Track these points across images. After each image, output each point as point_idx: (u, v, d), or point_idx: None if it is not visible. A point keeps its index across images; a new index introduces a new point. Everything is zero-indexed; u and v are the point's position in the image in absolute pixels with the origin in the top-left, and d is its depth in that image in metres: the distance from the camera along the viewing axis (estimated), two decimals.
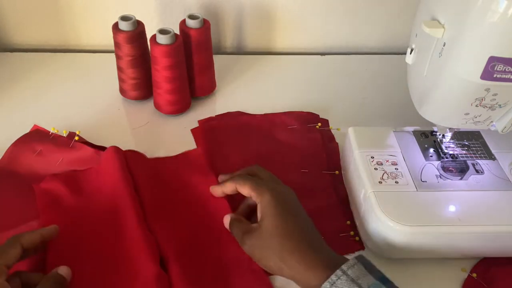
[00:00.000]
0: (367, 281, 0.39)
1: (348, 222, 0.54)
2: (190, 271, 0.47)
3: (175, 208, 0.53)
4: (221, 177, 0.54)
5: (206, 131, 0.63)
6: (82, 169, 0.56)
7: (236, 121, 0.66)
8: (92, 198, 0.53)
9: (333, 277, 0.39)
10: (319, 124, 0.66)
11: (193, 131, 0.65)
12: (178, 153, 0.61)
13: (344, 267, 0.39)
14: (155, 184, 0.55)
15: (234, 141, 0.62)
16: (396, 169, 0.51)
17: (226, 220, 0.50)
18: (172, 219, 0.51)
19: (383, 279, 0.39)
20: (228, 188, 0.50)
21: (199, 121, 0.66)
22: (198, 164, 0.58)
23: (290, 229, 0.44)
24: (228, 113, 0.68)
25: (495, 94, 0.42)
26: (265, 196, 0.46)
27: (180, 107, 0.66)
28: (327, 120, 0.67)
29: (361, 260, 0.41)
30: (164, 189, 0.55)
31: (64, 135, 0.60)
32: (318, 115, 0.68)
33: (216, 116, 0.67)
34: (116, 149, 0.56)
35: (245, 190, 0.48)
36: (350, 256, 0.51)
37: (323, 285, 0.39)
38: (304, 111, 0.68)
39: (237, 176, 0.50)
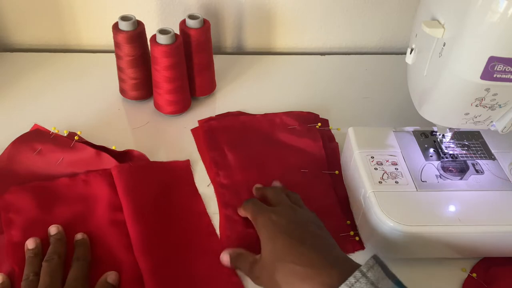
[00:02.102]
0: (386, 285, 0.36)
1: (348, 222, 0.54)
2: (168, 285, 0.46)
3: (155, 221, 0.52)
4: (254, 189, 0.55)
5: (206, 131, 0.63)
6: (52, 181, 0.54)
7: (236, 121, 0.66)
8: (60, 212, 0.52)
9: (351, 279, 0.37)
10: (319, 124, 0.66)
11: (193, 131, 0.65)
12: (178, 153, 0.61)
13: (363, 268, 0.37)
14: (137, 194, 0.53)
15: (234, 141, 0.62)
16: (396, 169, 0.51)
17: (225, 258, 0.48)
18: (151, 234, 0.50)
19: (399, 284, 0.37)
20: (242, 214, 0.52)
21: (199, 121, 0.66)
22: (185, 178, 0.58)
23: (284, 251, 0.42)
24: (228, 113, 0.68)
25: (495, 94, 0.42)
26: (258, 221, 0.46)
27: (180, 107, 0.66)
28: (327, 120, 0.67)
29: (378, 261, 0.38)
30: (145, 199, 0.53)
31: (65, 135, 0.60)
32: (318, 115, 0.68)
33: (216, 116, 0.67)
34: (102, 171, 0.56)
35: (248, 216, 0.49)
36: (350, 256, 0.51)
37: (339, 287, 0.36)
38: (304, 111, 0.68)
39: (245, 202, 0.51)
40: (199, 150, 0.62)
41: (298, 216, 0.47)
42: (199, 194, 0.56)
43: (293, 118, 0.66)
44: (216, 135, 0.63)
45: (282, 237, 0.43)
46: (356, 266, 0.39)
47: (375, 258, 0.38)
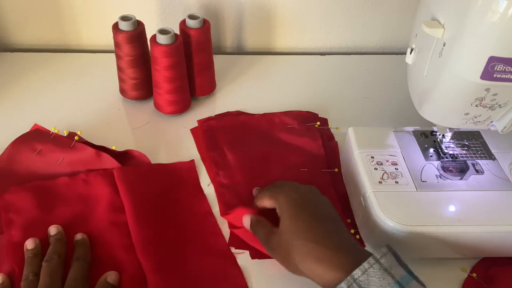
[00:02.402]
0: (399, 272, 0.38)
1: (349, 221, 0.54)
2: (172, 285, 0.46)
3: (159, 222, 0.52)
4: (254, 191, 0.55)
5: (205, 130, 0.63)
6: (52, 181, 0.54)
7: (235, 120, 0.66)
8: (60, 212, 0.52)
9: (365, 264, 0.38)
10: (318, 123, 0.66)
11: (193, 131, 0.65)
12: (178, 153, 0.61)
13: (377, 255, 0.39)
14: (139, 196, 0.53)
15: (233, 140, 0.62)
16: (396, 169, 0.51)
17: (246, 220, 0.49)
18: (154, 235, 0.50)
19: (411, 273, 0.38)
20: (259, 203, 0.50)
21: (198, 121, 0.66)
22: (189, 178, 0.58)
23: (304, 229, 0.43)
24: (227, 112, 0.68)
25: (495, 94, 0.42)
26: (280, 199, 0.46)
27: (180, 107, 0.66)
28: (326, 119, 0.67)
29: (391, 250, 0.40)
30: (148, 201, 0.53)
31: (65, 135, 0.60)
32: (317, 114, 0.68)
33: (215, 115, 0.67)
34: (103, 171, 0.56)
35: (266, 202, 0.49)
36: None
37: (354, 272, 0.38)
38: (303, 110, 0.68)
39: (257, 194, 0.51)
40: (198, 150, 0.62)
41: (318, 197, 0.47)
42: (204, 194, 0.56)
43: (292, 117, 0.66)
44: (216, 135, 0.63)
45: (303, 215, 0.44)
46: (367, 253, 0.40)
47: (388, 247, 0.40)
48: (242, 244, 0.51)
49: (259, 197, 0.50)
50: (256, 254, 0.50)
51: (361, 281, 0.37)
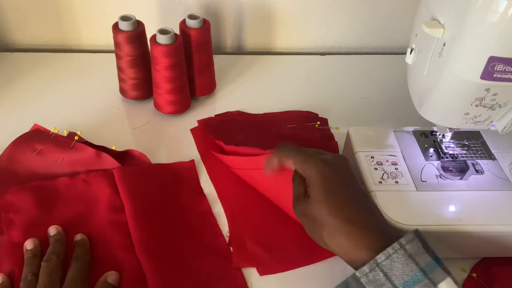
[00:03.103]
0: (424, 259, 0.37)
1: None
2: (172, 285, 0.46)
3: (159, 222, 0.52)
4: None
5: (205, 130, 0.63)
6: (52, 181, 0.54)
7: (235, 120, 0.66)
8: (60, 212, 0.52)
9: (389, 249, 0.37)
10: (318, 123, 0.66)
11: (193, 131, 0.65)
12: (178, 153, 0.61)
13: (402, 241, 0.38)
14: (138, 196, 0.53)
15: (233, 140, 0.62)
16: (396, 169, 0.51)
17: (281, 164, 0.47)
18: (154, 235, 0.50)
19: (438, 260, 0.38)
20: (273, 163, 0.48)
21: (198, 121, 0.66)
22: (189, 178, 0.58)
23: (336, 206, 0.42)
24: (227, 112, 0.68)
25: (495, 94, 0.42)
26: (311, 173, 0.44)
27: (180, 107, 0.66)
28: (326, 119, 0.67)
29: (418, 235, 0.39)
30: (148, 201, 0.53)
31: (65, 135, 0.59)
32: (317, 114, 0.68)
33: (215, 115, 0.67)
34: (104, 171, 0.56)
35: (289, 163, 0.46)
36: None
37: (377, 256, 0.37)
38: (303, 110, 0.68)
39: (280, 149, 0.47)
40: (198, 150, 0.62)
41: (348, 171, 0.46)
42: (204, 194, 0.56)
43: (292, 117, 0.66)
44: (215, 134, 0.63)
45: (336, 193, 0.43)
46: (397, 234, 0.39)
47: (416, 233, 0.39)
48: (249, 261, 0.49)
49: (284, 154, 0.46)
50: (264, 271, 0.49)
51: (384, 265, 0.37)
